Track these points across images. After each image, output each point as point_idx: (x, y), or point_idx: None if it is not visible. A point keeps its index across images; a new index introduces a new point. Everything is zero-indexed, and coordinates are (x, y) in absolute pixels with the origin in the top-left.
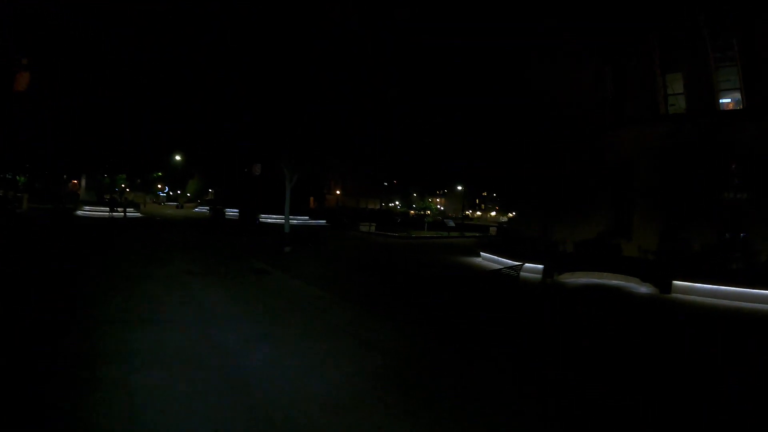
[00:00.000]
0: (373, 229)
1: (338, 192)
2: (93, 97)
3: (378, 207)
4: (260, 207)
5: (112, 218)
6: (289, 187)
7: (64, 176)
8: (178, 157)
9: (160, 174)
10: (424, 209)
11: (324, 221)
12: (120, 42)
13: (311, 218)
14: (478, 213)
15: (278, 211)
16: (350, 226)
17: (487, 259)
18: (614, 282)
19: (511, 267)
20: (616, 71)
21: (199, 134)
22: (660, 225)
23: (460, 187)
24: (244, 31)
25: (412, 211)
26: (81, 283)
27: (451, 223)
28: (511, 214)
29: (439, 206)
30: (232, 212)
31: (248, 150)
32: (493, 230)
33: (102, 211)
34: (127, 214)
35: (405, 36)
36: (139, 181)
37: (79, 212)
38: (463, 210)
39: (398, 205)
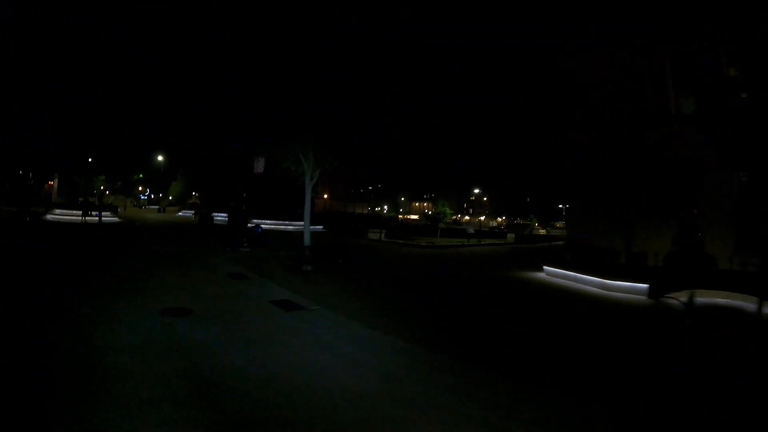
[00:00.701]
0: (383, 236)
1: (326, 196)
2: (78, 94)
3: (365, 211)
4: (258, 211)
5: (85, 223)
6: (309, 185)
7: (30, 175)
8: (160, 158)
9: (141, 176)
10: (438, 214)
11: (321, 227)
12: (120, 42)
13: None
14: (467, 218)
15: (276, 216)
16: (355, 232)
17: (557, 275)
18: (721, 300)
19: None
20: (678, 66)
21: (190, 132)
22: (738, 233)
23: (477, 190)
24: (244, 31)
25: (400, 216)
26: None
27: (471, 230)
28: (500, 219)
29: (427, 211)
30: (220, 217)
31: (248, 144)
32: (511, 237)
33: (74, 215)
34: (103, 218)
35: (405, 36)
36: (119, 183)
37: (49, 216)
38: (484, 216)
39: (385, 209)
